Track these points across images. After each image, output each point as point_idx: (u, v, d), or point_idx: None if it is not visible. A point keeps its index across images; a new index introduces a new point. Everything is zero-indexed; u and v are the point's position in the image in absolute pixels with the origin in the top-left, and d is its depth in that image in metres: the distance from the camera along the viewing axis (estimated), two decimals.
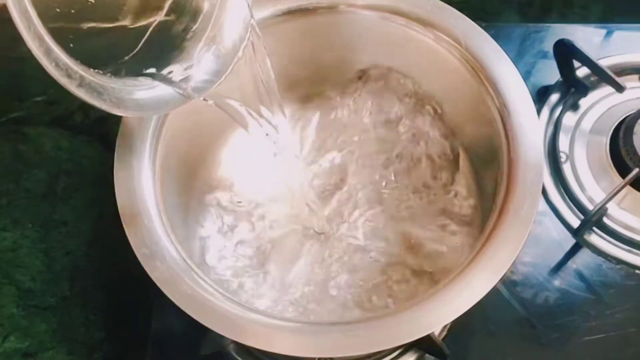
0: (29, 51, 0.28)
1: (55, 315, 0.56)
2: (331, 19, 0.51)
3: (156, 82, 0.36)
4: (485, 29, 0.48)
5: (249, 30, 0.38)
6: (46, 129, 0.63)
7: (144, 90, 0.35)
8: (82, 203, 0.60)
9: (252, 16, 0.38)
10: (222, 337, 0.39)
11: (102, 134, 0.63)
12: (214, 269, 0.51)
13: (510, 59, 0.47)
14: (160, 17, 0.36)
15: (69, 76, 0.30)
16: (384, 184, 0.54)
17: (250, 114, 0.42)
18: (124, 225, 0.42)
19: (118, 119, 0.45)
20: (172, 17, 0.36)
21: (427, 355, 0.51)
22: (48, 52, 0.29)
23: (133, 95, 0.34)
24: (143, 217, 0.42)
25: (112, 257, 0.59)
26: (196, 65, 0.37)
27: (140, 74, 0.35)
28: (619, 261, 0.56)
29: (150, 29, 0.36)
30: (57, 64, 0.29)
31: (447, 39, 0.49)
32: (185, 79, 0.37)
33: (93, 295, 0.58)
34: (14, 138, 0.62)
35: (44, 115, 0.63)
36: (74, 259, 0.58)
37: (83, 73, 0.31)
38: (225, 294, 0.41)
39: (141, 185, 0.43)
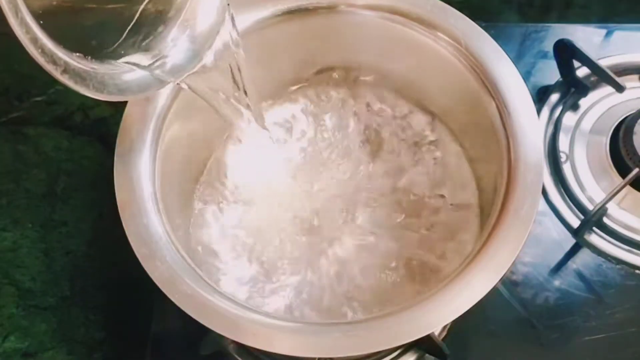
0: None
1: (55, 315, 0.56)
2: (331, 19, 0.51)
3: (134, 67, 0.36)
4: (485, 29, 0.48)
5: (226, 17, 0.38)
6: (46, 129, 0.63)
7: (124, 73, 0.36)
8: (82, 203, 0.61)
9: (228, 3, 0.38)
10: (222, 337, 0.39)
11: (102, 134, 0.63)
12: (214, 267, 0.51)
13: (510, 59, 0.47)
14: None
15: (54, 62, 0.30)
16: (377, 182, 0.54)
17: (228, 104, 0.42)
18: (123, 225, 0.42)
19: (118, 119, 0.45)
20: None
21: (427, 355, 0.51)
22: (35, 39, 0.29)
23: (115, 80, 0.35)
24: (143, 217, 0.42)
25: (112, 257, 0.59)
26: (171, 48, 0.38)
27: (117, 57, 0.36)
28: (619, 261, 0.56)
29: (138, 12, 0.36)
30: (43, 50, 0.29)
31: (447, 39, 0.49)
32: (161, 63, 0.37)
33: (93, 295, 0.58)
34: (14, 138, 0.62)
35: (44, 115, 0.63)
36: (74, 259, 0.58)
37: (67, 59, 0.31)
38: (225, 293, 0.41)
39: (141, 185, 0.43)
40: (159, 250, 0.41)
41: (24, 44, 0.28)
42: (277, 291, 0.50)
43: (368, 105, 0.57)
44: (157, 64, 0.37)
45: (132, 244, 0.41)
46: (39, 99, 0.63)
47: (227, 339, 0.39)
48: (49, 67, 0.30)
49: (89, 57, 0.33)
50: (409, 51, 0.52)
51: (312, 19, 0.51)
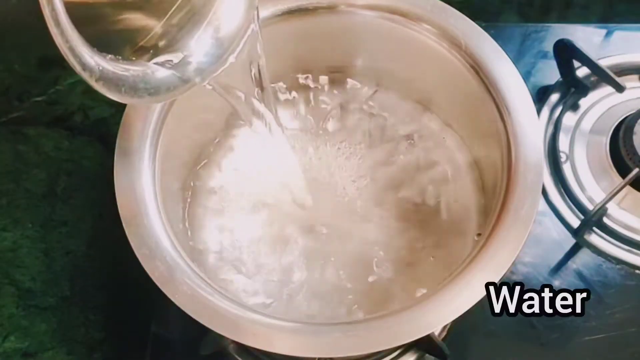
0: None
1: (55, 315, 0.56)
2: (331, 19, 0.51)
3: (161, 67, 0.37)
4: (485, 29, 0.48)
5: (254, 16, 0.39)
6: (46, 129, 0.63)
7: (154, 76, 0.36)
8: (82, 203, 0.61)
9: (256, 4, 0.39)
10: (222, 337, 0.39)
11: (102, 134, 0.63)
12: (213, 265, 0.51)
13: (510, 59, 0.47)
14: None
15: (90, 70, 0.31)
16: (379, 181, 0.54)
17: (248, 102, 0.43)
18: (124, 225, 0.42)
19: (118, 119, 0.45)
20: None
21: (427, 355, 0.51)
22: (72, 48, 0.29)
23: (145, 84, 0.35)
24: (143, 217, 0.42)
25: (112, 257, 0.59)
26: (196, 49, 0.38)
27: (146, 57, 0.36)
28: (619, 261, 0.56)
29: (170, 12, 0.37)
30: (81, 58, 0.30)
31: (447, 39, 0.49)
32: (186, 64, 0.38)
33: (93, 295, 0.58)
34: (14, 138, 0.62)
35: (44, 115, 0.63)
36: (74, 259, 0.58)
37: (102, 63, 0.32)
38: (226, 294, 0.41)
39: (141, 185, 0.43)
40: (159, 250, 0.41)
41: (63, 52, 0.29)
42: (277, 288, 0.50)
43: (368, 104, 0.57)
44: (182, 64, 0.38)
45: (132, 244, 0.41)
46: (39, 99, 0.63)
47: (227, 339, 0.39)
48: (85, 75, 0.30)
49: (120, 58, 0.34)
50: (409, 51, 0.52)
51: (312, 19, 0.51)
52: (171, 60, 0.37)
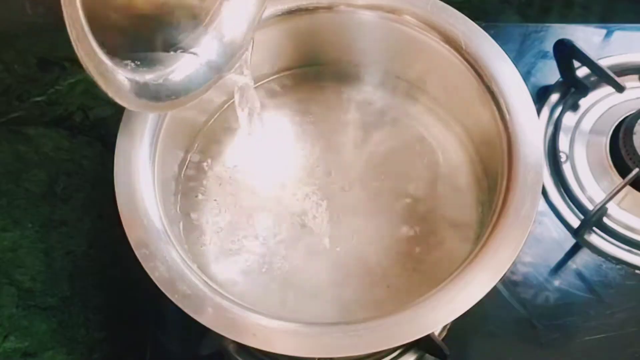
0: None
1: (55, 315, 0.56)
2: (331, 19, 0.51)
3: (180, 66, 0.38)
4: (485, 29, 0.48)
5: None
6: (46, 129, 0.63)
7: (172, 78, 0.38)
8: (82, 203, 0.61)
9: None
10: (222, 337, 0.39)
11: (102, 134, 0.63)
12: (212, 263, 0.51)
13: (510, 59, 0.47)
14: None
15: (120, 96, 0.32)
16: (378, 182, 0.54)
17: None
18: (124, 225, 0.42)
19: (118, 119, 0.45)
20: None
21: (427, 355, 0.51)
22: (103, 73, 0.30)
23: (167, 90, 0.37)
24: (143, 217, 0.42)
25: (112, 257, 0.59)
26: (207, 52, 0.41)
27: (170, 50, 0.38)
28: (619, 261, 0.56)
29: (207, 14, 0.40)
30: (108, 82, 0.31)
31: (447, 39, 0.49)
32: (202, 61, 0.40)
33: (93, 295, 0.58)
34: (14, 138, 0.62)
35: (44, 116, 0.63)
36: (74, 259, 0.58)
37: (127, 78, 0.33)
38: (225, 294, 0.41)
39: (141, 185, 0.43)
40: (159, 250, 0.41)
41: (94, 79, 0.29)
42: (274, 285, 0.50)
43: (367, 104, 0.57)
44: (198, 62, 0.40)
45: (132, 244, 0.41)
46: (39, 99, 0.63)
47: (227, 339, 0.39)
48: (109, 92, 0.32)
49: (139, 63, 0.35)
50: (409, 51, 0.52)
51: (312, 19, 0.51)
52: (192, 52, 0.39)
